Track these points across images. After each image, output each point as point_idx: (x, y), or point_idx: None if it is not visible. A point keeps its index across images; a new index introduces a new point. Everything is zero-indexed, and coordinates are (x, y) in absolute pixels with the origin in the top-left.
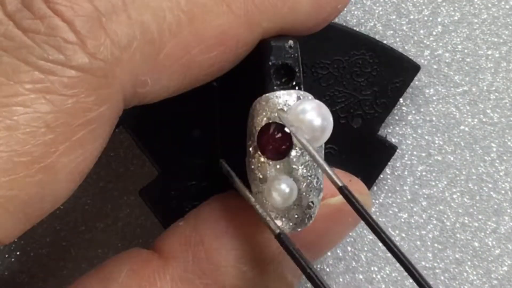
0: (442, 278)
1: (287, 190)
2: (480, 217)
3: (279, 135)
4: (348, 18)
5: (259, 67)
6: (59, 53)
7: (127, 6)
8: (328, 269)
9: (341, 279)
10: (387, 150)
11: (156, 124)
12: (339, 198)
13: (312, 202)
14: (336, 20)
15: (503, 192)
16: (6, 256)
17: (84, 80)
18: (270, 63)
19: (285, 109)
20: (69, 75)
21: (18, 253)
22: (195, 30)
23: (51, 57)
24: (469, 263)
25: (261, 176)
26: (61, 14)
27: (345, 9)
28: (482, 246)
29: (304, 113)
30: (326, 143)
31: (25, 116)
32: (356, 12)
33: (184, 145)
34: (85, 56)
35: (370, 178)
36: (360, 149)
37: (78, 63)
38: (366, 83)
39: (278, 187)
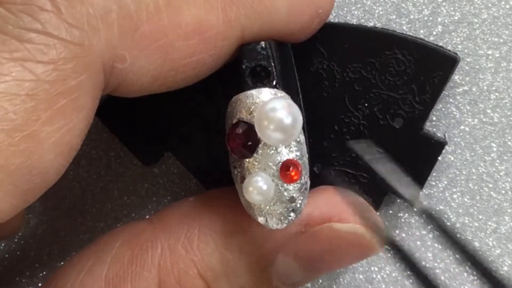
0: (442, 278)
1: (264, 187)
2: (480, 217)
3: (243, 133)
4: (348, 18)
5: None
6: (35, 21)
7: None
8: None
9: (341, 279)
10: (435, 146)
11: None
12: (345, 226)
13: (293, 196)
14: (337, 20)
15: (503, 192)
16: (6, 256)
17: (61, 47)
18: (244, 66)
19: (253, 108)
20: (46, 43)
21: (18, 253)
22: (172, 14)
23: (27, 25)
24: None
25: (239, 175)
26: None
27: (345, 9)
28: (483, 246)
29: (274, 111)
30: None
31: (4, 85)
32: (356, 12)
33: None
34: (61, 23)
35: (421, 177)
36: (406, 149)
37: (54, 30)
38: (402, 81)
39: (256, 184)
